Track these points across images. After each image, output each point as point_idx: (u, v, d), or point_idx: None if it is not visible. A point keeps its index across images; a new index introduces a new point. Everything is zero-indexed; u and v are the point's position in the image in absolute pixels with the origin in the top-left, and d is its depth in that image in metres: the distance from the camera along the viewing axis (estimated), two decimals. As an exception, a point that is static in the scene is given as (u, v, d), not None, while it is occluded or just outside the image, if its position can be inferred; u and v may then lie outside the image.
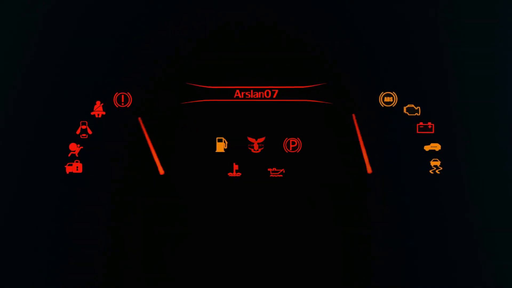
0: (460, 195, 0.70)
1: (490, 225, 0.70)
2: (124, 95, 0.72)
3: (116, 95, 0.72)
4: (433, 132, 0.71)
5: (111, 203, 0.71)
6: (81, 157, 0.72)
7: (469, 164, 0.70)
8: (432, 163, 0.71)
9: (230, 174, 0.72)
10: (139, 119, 0.71)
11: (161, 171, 0.71)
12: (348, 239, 0.70)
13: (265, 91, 0.72)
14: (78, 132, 0.72)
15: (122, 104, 0.72)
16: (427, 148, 0.71)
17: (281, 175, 0.71)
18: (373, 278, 0.70)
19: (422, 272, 0.70)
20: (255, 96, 0.72)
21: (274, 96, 0.72)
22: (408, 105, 0.71)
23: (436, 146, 0.71)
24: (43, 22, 0.73)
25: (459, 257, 0.69)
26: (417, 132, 0.71)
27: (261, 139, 0.72)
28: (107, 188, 0.71)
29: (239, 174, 0.72)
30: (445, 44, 0.71)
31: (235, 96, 0.72)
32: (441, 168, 0.70)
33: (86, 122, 0.72)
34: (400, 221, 0.70)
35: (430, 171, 0.70)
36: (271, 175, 0.71)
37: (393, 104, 0.71)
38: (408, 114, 0.71)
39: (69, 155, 0.72)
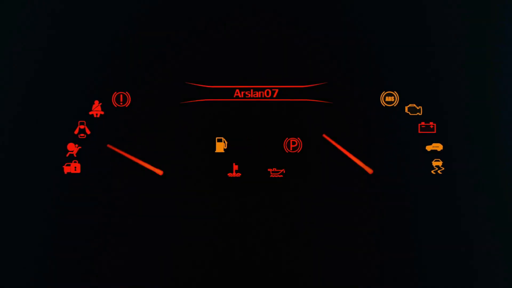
0: (462, 195, 0.69)
1: (492, 225, 0.69)
2: (123, 94, 0.72)
3: (114, 94, 0.72)
4: (435, 132, 0.70)
5: (110, 204, 0.70)
6: (79, 157, 0.71)
7: (471, 165, 0.70)
8: (434, 163, 0.70)
9: (230, 174, 0.71)
10: (108, 145, 0.70)
11: (159, 172, 0.70)
12: (348, 239, 0.69)
13: (265, 91, 0.71)
14: (76, 132, 0.71)
15: (121, 103, 0.72)
16: (429, 148, 0.70)
17: (282, 176, 0.71)
18: (374, 278, 0.69)
19: (423, 272, 0.69)
20: (255, 95, 0.71)
21: (275, 96, 0.71)
22: (410, 105, 0.71)
23: (438, 146, 0.70)
24: (41, 22, 0.72)
25: (460, 258, 0.69)
26: (419, 132, 0.70)
27: (261, 139, 0.71)
28: (105, 189, 0.70)
29: (239, 174, 0.71)
30: (447, 43, 0.71)
31: (234, 96, 0.71)
32: (443, 169, 0.70)
33: (85, 122, 0.71)
34: (401, 222, 0.69)
35: (432, 172, 0.70)
36: (271, 176, 0.71)
37: (395, 104, 0.71)
38: (410, 114, 0.71)
39: (67, 155, 0.71)
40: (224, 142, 0.71)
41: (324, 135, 0.70)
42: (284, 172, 0.71)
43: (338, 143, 0.70)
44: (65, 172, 0.71)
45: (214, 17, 0.72)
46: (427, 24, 0.71)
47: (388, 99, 0.71)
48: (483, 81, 0.70)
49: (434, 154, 0.70)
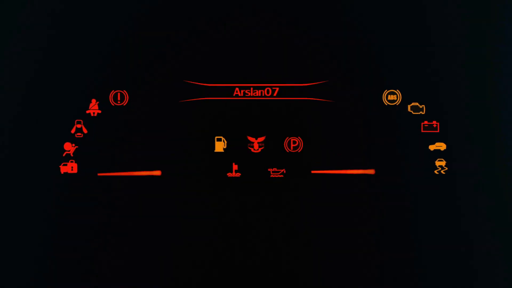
0: (466, 195, 0.69)
1: (492, 225, 0.69)
2: (120, 93, 0.71)
3: (112, 93, 0.70)
4: (438, 131, 0.69)
5: (110, 204, 0.70)
6: (76, 157, 0.70)
7: (475, 164, 0.69)
8: (437, 163, 0.69)
9: (229, 174, 0.70)
10: (98, 174, 0.69)
11: (157, 173, 0.70)
12: (349, 239, 0.69)
13: (265, 89, 0.70)
14: (73, 131, 0.70)
15: (118, 102, 0.70)
16: (432, 147, 0.69)
17: (282, 176, 0.70)
18: (374, 278, 0.69)
19: (423, 272, 0.69)
20: (255, 94, 0.70)
21: (275, 94, 0.70)
22: (413, 103, 0.70)
23: (441, 146, 0.69)
24: (38, 21, 0.71)
25: (460, 258, 0.69)
26: (422, 131, 0.69)
27: (261, 138, 0.70)
28: (103, 189, 0.70)
29: (238, 174, 0.70)
30: (451, 41, 0.70)
31: (234, 94, 0.70)
32: (447, 168, 0.69)
33: (81, 121, 0.70)
34: (401, 222, 0.69)
35: (435, 171, 0.69)
36: (271, 176, 0.70)
37: (397, 103, 0.70)
38: (413, 113, 0.70)
39: (63, 154, 0.70)
40: (223, 141, 0.70)
41: (312, 171, 0.69)
42: (284, 172, 0.70)
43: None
44: (62, 172, 0.70)
45: (214, 17, 0.70)
46: (427, 24, 0.70)
47: (391, 97, 0.70)
48: (488, 80, 0.69)
49: (438, 153, 0.69)
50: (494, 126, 0.69)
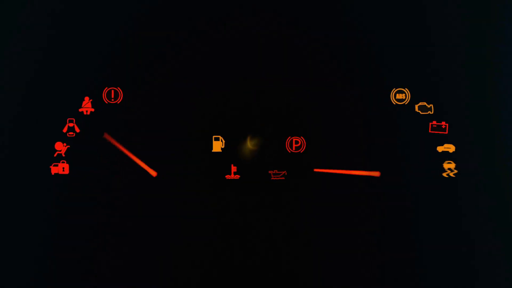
0: (467, 196, 0.68)
1: (493, 225, 0.68)
2: (114, 90, 0.69)
3: (105, 90, 0.69)
4: (446, 132, 0.68)
5: (99, 206, 0.69)
6: (68, 157, 0.68)
7: (484, 167, 0.68)
8: (446, 165, 0.68)
9: (227, 176, 0.68)
10: (105, 135, 0.68)
11: (153, 173, 0.68)
12: (351, 240, 0.69)
13: (266, 89, 0.68)
14: (65, 130, 0.68)
15: (112, 100, 0.69)
16: (440, 149, 0.68)
17: (283, 178, 0.68)
18: (375, 278, 0.69)
19: (424, 272, 0.69)
20: (255, 94, 0.68)
21: (275, 95, 0.68)
22: (420, 103, 0.68)
23: (450, 147, 0.68)
24: (38, 21, 0.69)
25: (462, 258, 0.69)
26: (430, 131, 0.68)
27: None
28: (95, 191, 0.68)
29: (237, 176, 0.68)
30: (451, 41, 0.68)
31: (234, 94, 0.68)
32: (455, 171, 0.68)
33: (74, 120, 0.68)
34: (402, 222, 0.69)
35: (444, 174, 0.68)
36: (272, 178, 0.68)
37: (406, 102, 0.68)
38: (421, 113, 0.68)
39: (55, 155, 0.68)
40: (221, 141, 0.68)
41: (315, 169, 0.68)
42: (285, 174, 0.68)
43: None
44: (52, 173, 0.68)
45: (214, 17, 0.68)
46: (441, 20, 0.68)
47: (399, 96, 0.68)
48: (497, 81, 0.68)
49: (446, 155, 0.68)
50: (494, 127, 0.68)
